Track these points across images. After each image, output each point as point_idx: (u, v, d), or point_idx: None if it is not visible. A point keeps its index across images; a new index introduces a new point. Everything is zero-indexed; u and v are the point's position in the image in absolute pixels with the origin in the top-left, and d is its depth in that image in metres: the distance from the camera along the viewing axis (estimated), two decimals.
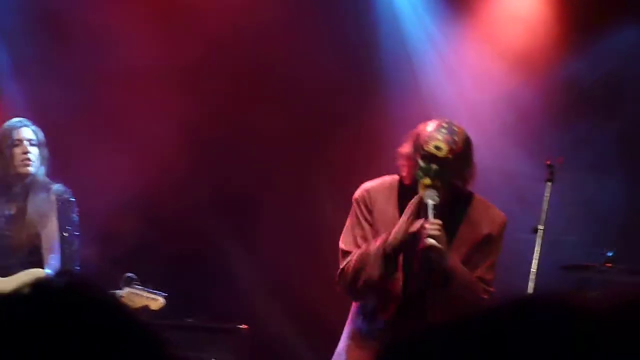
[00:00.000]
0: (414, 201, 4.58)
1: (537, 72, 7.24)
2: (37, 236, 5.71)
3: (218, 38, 7.44)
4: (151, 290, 5.77)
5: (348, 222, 4.79)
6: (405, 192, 4.69)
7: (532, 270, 4.58)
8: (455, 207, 4.63)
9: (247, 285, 7.61)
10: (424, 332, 1.17)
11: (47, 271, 5.64)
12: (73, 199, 5.87)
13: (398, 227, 4.54)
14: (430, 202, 4.51)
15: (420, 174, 4.57)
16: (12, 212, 5.73)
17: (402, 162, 4.70)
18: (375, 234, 4.66)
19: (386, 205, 4.70)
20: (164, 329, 6.36)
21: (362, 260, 4.58)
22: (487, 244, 4.66)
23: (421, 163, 4.57)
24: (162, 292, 5.80)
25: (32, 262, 5.67)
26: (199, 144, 7.55)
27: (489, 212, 4.71)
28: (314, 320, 7.14)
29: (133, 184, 7.24)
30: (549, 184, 4.80)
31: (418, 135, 4.63)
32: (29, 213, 5.71)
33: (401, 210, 4.64)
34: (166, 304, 5.79)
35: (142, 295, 5.71)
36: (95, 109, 7.52)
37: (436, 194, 4.52)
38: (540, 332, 1.08)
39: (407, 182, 4.67)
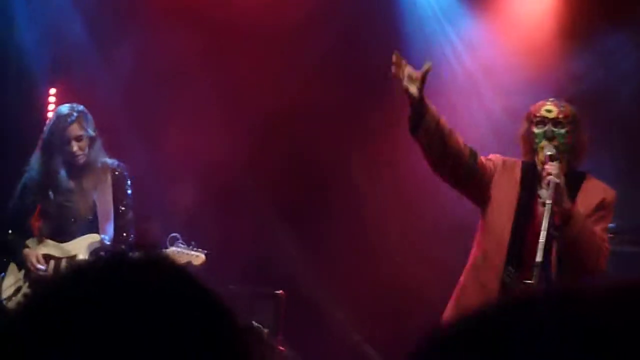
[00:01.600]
0: None
1: (547, 65, 7.35)
2: (94, 206, 6.29)
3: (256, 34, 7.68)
4: (194, 248, 6.12)
5: None
6: (527, 170, 4.99)
7: (540, 240, 4.78)
8: (571, 182, 4.85)
9: (292, 256, 7.84)
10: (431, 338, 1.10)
11: (103, 236, 6.24)
12: (126, 173, 6.41)
13: None
14: (548, 153, 4.83)
15: (537, 140, 4.92)
16: (71, 186, 6.31)
17: (520, 144, 5.08)
18: (491, 197, 4.96)
19: (511, 175, 5.02)
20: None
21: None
22: (602, 208, 4.92)
23: (536, 130, 4.96)
24: (204, 250, 6.14)
25: (90, 229, 6.26)
26: (262, 125, 7.74)
27: (602, 185, 5.01)
28: (352, 286, 7.45)
29: (194, 162, 7.61)
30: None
31: (529, 112, 5.05)
32: (85, 186, 6.29)
33: (523, 187, 4.95)
34: (210, 264, 6.09)
35: (185, 253, 6.06)
36: (159, 92, 7.83)
37: (554, 147, 4.85)
38: (543, 333, 1.01)
39: (525, 158, 5.01)
